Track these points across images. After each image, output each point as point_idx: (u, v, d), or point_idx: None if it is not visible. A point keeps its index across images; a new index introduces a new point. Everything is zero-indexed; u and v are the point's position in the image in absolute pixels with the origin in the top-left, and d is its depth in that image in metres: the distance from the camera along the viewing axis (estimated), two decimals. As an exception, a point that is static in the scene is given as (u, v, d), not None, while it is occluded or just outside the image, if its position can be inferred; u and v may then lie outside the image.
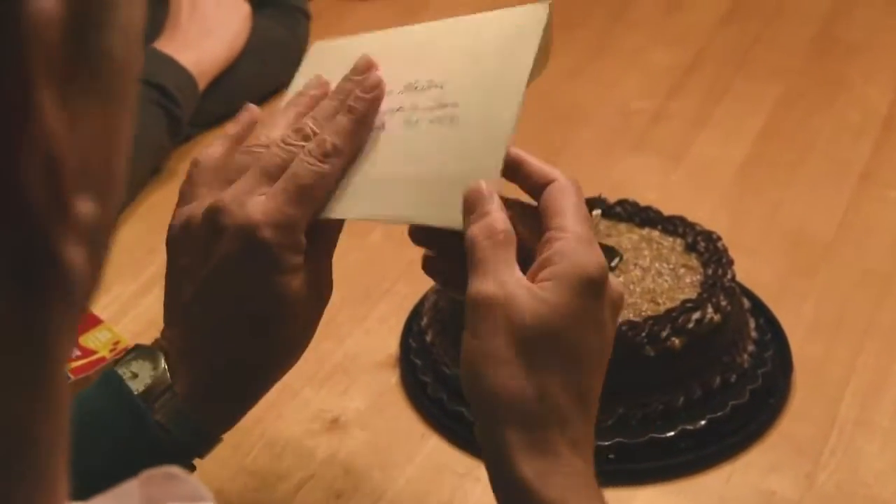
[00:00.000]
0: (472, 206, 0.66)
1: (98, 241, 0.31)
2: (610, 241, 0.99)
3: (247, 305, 0.69)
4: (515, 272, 0.64)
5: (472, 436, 0.92)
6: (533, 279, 0.65)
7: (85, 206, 0.29)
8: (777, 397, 0.96)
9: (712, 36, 1.53)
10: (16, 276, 0.28)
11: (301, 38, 1.44)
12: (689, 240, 1.00)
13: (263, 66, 1.38)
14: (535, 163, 0.69)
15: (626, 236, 1.01)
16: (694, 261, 0.99)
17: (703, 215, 1.07)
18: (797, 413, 0.96)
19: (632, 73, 1.46)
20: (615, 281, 0.67)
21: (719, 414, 0.93)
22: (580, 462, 0.64)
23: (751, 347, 0.98)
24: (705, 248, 0.99)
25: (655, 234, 1.02)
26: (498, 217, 0.65)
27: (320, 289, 0.72)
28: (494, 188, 0.66)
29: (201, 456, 0.73)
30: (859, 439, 0.93)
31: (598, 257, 0.65)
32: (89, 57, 0.29)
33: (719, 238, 1.00)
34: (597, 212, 0.97)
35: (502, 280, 0.63)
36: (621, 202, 1.05)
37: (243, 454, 0.92)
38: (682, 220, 1.03)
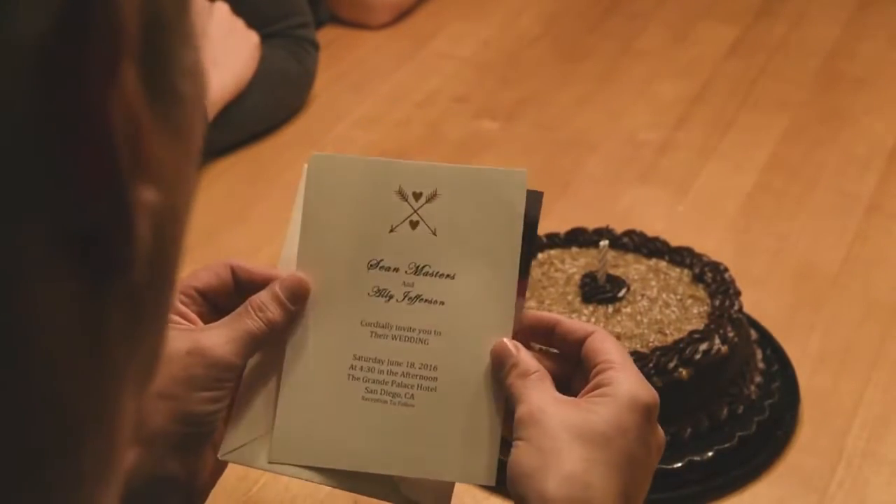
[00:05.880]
0: (501, 362, 0.68)
1: (160, 233, 0.32)
2: (617, 272, 1.00)
3: None
4: (558, 394, 0.66)
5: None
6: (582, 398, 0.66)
7: (151, 194, 0.30)
8: (784, 429, 0.96)
9: (718, 68, 1.54)
10: (86, 239, 0.29)
11: (310, 68, 1.44)
12: (697, 271, 1.01)
13: (272, 97, 1.38)
14: (571, 321, 0.70)
15: (633, 267, 1.01)
16: (701, 292, 0.99)
17: (709, 246, 1.07)
18: (804, 445, 0.96)
19: (639, 104, 1.47)
20: (660, 430, 0.68)
21: (726, 445, 0.93)
22: None
23: (758, 379, 0.98)
24: (712, 279, 0.99)
25: (663, 264, 1.02)
26: (528, 361, 0.67)
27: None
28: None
29: None
30: (867, 471, 0.93)
31: (651, 388, 0.66)
32: (161, 92, 0.31)
33: (726, 269, 1.01)
34: (604, 242, 0.97)
35: (547, 397, 0.65)
36: (629, 233, 1.05)
37: (251, 483, 0.91)
38: (689, 251, 1.03)
